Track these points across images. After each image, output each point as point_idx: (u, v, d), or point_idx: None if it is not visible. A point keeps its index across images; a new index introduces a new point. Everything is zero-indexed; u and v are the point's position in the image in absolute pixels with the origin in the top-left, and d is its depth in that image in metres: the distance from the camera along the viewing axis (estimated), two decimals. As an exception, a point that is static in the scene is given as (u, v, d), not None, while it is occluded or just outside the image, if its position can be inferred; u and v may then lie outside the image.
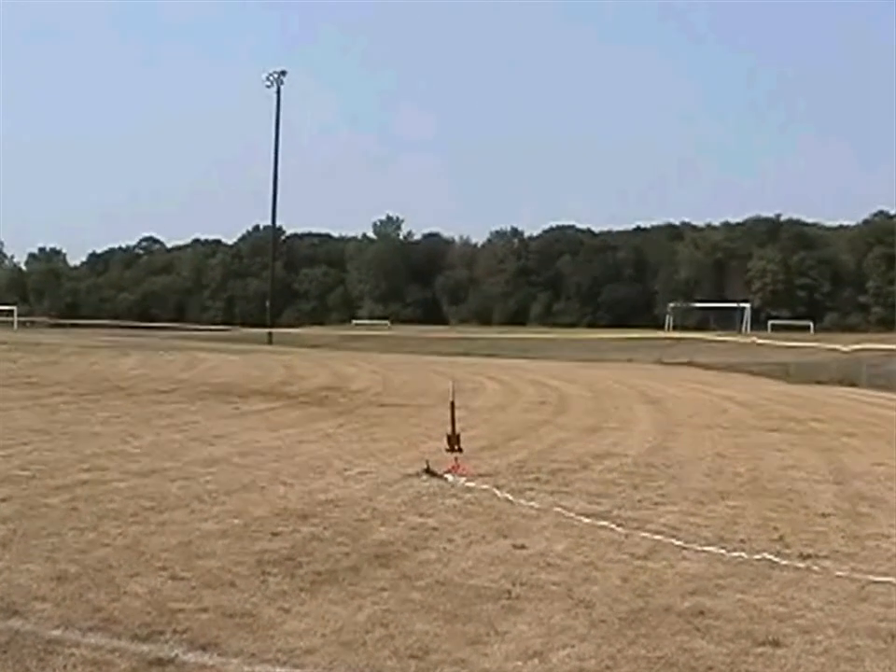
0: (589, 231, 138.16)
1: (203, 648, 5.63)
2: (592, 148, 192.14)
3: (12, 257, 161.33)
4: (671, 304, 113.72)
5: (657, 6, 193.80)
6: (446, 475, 11.63)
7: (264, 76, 78.07)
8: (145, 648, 5.59)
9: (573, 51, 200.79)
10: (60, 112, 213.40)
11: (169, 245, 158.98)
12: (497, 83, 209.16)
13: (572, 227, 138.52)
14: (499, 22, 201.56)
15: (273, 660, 5.51)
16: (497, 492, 10.79)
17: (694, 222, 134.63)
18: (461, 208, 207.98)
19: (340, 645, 5.76)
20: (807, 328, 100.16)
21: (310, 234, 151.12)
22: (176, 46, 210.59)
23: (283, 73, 77.66)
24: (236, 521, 8.98)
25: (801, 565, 7.96)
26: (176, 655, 5.50)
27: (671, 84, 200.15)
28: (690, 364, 48.08)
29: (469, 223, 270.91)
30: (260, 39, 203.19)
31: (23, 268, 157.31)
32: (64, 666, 5.30)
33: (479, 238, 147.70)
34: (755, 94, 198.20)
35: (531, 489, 11.16)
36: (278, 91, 77.30)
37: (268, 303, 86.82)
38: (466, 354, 56.55)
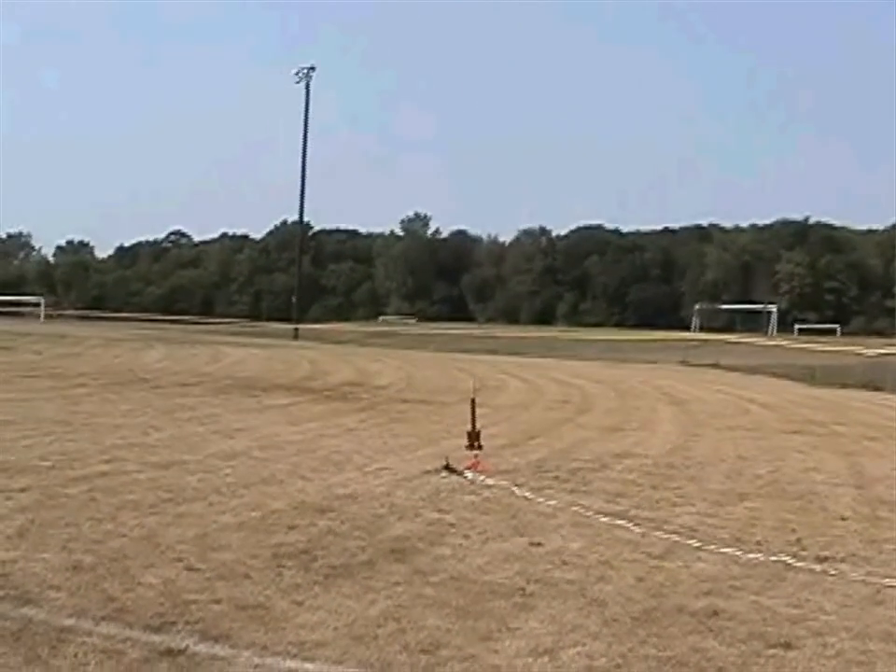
0: (617, 231, 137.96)
1: (215, 639, 5.65)
2: (592, 149, 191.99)
3: (40, 249, 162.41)
4: (697, 306, 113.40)
5: (657, 6, 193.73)
6: (466, 472, 11.64)
7: (293, 71, 78.03)
8: (156, 638, 5.63)
9: (573, 51, 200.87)
10: (85, 107, 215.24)
11: (197, 240, 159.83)
12: (497, 83, 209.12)
13: (600, 227, 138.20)
14: (499, 22, 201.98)
15: (284, 652, 5.52)
16: (516, 490, 10.79)
17: (723, 223, 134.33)
18: (461, 208, 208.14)
19: (351, 639, 5.77)
20: (834, 331, 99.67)
21: (338, 230, 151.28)
22: (177, 46, 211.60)
23: (312, 69, 77.34)
24: (253, 514, 9.02)
25: (817, 567, 7.92)
26: (188, 646, 5.52)
27: (671, 84, 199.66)
28: (715, 366, 47.80)
29: (467, 223, 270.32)
30: (260, 39, 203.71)
31: (51, 260, 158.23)
32: (76, 654, 5.34)
33: (506, 237, 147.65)
34: (755, 94, 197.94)
35: (550, 487, 11.14)
36: (307, 87, 77.25)
37: (294, 298, 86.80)
38: (491, 352, 56.45)
